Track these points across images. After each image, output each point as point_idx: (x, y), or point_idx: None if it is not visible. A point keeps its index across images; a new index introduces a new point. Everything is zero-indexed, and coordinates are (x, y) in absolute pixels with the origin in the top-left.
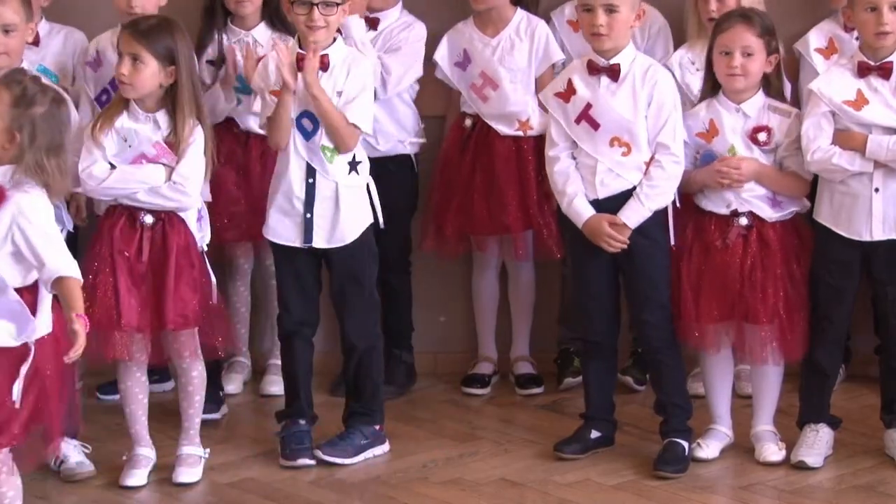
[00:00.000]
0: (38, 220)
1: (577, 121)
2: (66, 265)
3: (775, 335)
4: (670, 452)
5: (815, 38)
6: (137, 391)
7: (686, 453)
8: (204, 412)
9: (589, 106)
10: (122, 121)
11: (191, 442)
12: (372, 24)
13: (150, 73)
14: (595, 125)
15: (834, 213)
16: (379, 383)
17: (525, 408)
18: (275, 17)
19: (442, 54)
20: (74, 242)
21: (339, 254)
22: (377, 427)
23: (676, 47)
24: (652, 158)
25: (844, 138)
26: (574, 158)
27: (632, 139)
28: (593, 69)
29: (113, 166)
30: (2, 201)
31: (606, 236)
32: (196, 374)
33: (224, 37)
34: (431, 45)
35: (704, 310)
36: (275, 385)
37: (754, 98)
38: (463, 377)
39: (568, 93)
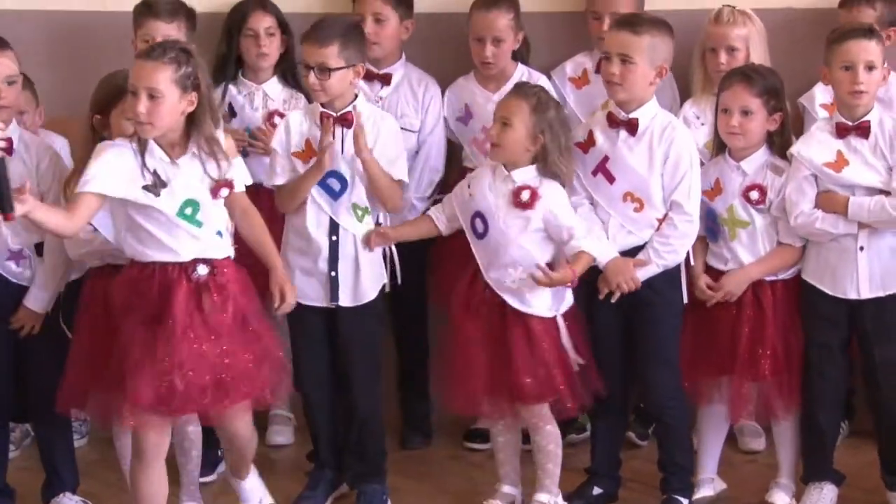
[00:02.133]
0: (564, 203)
1: (594, 173)
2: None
3: (764, 394)
4: None
5: (821, 94)
6: None
7: None
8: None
9: (606, 159)
10: None
11: (191, 497)
12: (385, 80)
13: None
14: (611, 178)
15: (819, 270)
16: (383, 443)
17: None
18: (288, 73)
19: (444, 109)
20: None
21: (352, 313)
22: (385, 486)
23: (682, 100)
24: (665, 216)
25: (826, 201)
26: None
27: (645, 195)
28: (613, 122)
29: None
30: (535, 199)
31: (629, 279)
32: (192, 429)
33: (231, 87)
34: None
35: (696, 363)
36: (280, 435)
37: (755, 155)
38: (465, 432)
39: (588, 143)
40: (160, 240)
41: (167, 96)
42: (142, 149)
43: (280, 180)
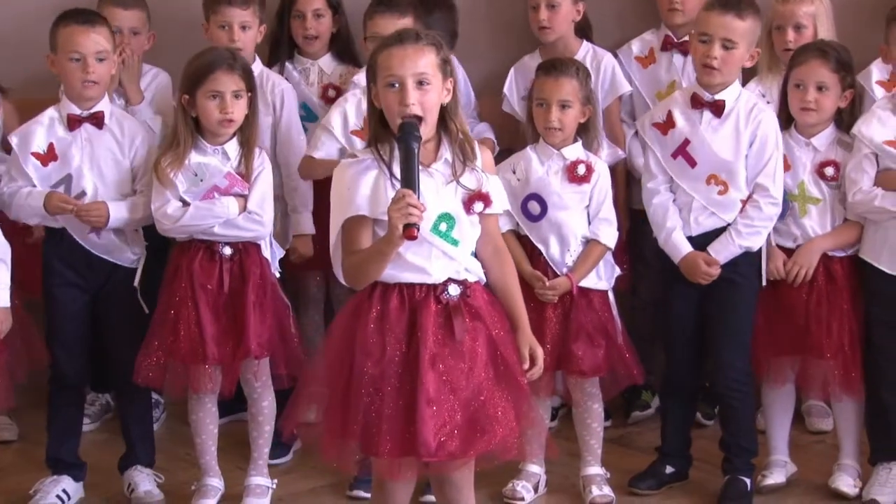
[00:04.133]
0: (609, 179)
1: (674, 156)
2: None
3: (839, 370)
4: (732, 488)
5: (878, 71)
6: (208, 422)
7: (748, 489)
8: (273, 457)
9: (687, 142)
10: (191, 156)
11: (259, 472)
12: None
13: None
14: (692, 162)
15: (877, 249)
16: None
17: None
18: (343, 50)
19: (509, 87)
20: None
21: None
22: None
23: (746, 80)
24: (749, 197)
25: (886, 179)
26: (672, 192)
27: (730, 178)
28: (697, 103)
29: (185, 203)
30: (591, 172)
31: (704, 274)
32: (267, 404)
33: (288, 64)
34: (500, 79)
35: (769, 343)
36: None
37: (825, 132)
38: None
39: (667, 125)
40: (409, 260)
41: (434, 84)
42: (388, 158)
43: (319, 154)
